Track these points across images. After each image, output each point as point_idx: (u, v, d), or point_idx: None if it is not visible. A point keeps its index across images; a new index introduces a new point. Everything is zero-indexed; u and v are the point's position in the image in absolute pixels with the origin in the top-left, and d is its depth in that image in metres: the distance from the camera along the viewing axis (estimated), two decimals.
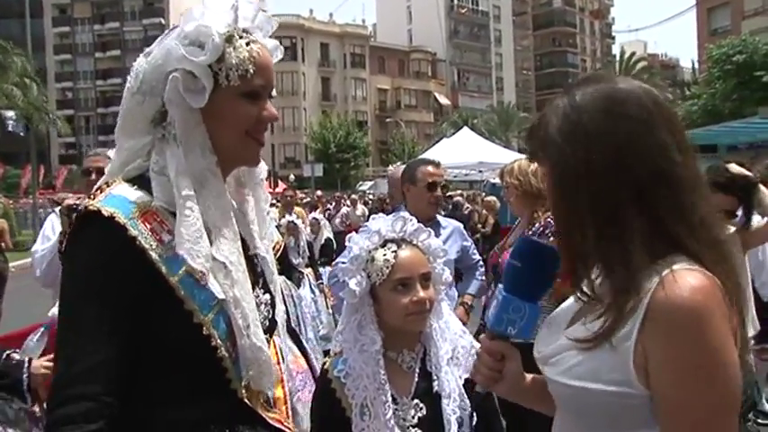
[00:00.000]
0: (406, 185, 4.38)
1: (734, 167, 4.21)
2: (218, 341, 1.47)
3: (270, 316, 1.65)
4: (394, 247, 1.98)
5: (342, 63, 62.50)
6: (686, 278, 1.19)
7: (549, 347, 1.40)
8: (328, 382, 1.98)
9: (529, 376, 1.54)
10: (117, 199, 1.46)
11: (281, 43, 1.65)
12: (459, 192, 17.70)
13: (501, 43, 77.93)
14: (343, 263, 2.04)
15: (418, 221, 4.24)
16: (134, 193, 1.49)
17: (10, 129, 24.20)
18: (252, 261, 1.64)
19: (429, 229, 2.07)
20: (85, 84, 61.75)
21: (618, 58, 68.19)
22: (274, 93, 1.63)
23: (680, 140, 1.30)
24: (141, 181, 1.53)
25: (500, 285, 1.52)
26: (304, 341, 5.60)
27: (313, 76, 60.20)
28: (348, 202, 17.02)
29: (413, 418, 1.92)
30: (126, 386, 1.41)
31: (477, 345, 1.98)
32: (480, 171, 20.15)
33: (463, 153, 18.97)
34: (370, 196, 21.07)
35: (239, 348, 1.51)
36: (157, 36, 1.60)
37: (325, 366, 2.03)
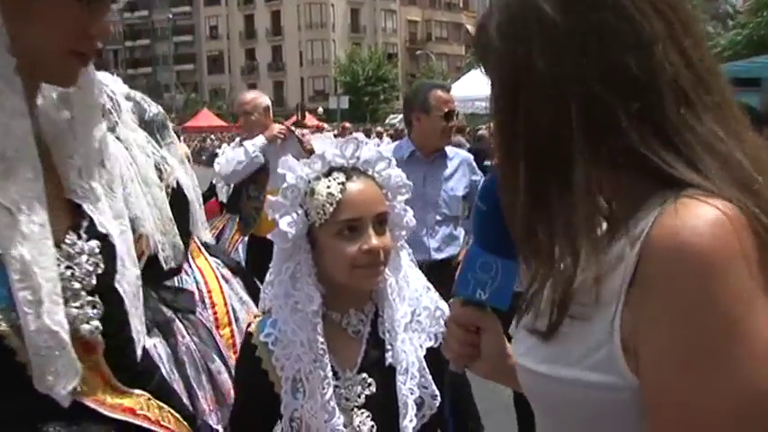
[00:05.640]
0: (415, 114, 3.90)
1: None
2: None
3: (99, 270, 1.19)
4: (341, 178, 1.49)
5: None
6: (692, 210, 0.78)
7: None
8: (253, 350, 1.55)
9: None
10: None
11: None
12: (486, 125, 17.05)
13: None
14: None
15: (425, 154, 3.88)
16: None
17: None
18: (72, 202, 1.21)
19: (389, 157, 1.57)
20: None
21: None
22: None
23: (676, 28, 0.86)
24: None
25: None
26: None
27: (342, 7, 59.60)
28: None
29: (359, 396, 1.49)
30: None
31: (445, 306, 1.55)
32: None
33: None
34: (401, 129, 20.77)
35: (24, 331, 1.07)
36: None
37: (250, 329, 1.60)
